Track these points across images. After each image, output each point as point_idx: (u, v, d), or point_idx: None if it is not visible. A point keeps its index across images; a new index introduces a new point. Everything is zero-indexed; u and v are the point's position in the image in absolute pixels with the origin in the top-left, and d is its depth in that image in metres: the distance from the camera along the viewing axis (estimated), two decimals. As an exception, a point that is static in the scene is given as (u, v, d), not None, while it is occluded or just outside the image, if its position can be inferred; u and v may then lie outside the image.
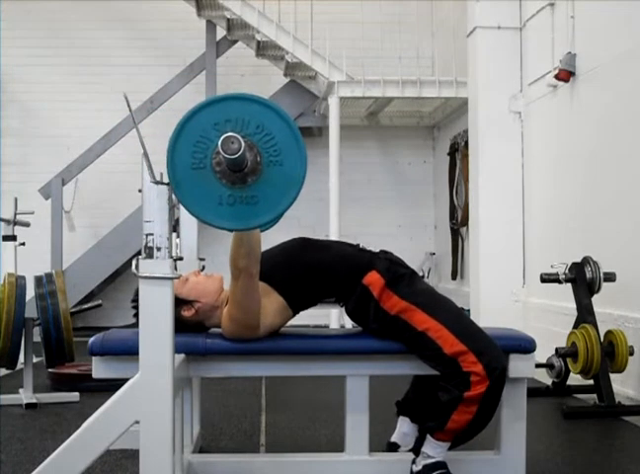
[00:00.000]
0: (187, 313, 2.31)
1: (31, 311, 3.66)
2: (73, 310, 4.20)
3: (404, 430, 2.59)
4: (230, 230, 1.87)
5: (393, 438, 2.60)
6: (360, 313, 2.33)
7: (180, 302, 2.22)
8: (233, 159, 1.63)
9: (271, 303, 2.25)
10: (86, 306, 4.54)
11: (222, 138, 1.62)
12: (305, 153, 1.75)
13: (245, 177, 1.71)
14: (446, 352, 2.17)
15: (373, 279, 2.28)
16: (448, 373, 2.18)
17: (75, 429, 1.78)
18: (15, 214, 4.95)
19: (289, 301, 2.28)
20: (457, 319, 2.26)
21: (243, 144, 1.62)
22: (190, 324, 2.31)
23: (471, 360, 2.15)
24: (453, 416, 2.16)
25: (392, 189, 8.07)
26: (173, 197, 1.73)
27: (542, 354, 3.35)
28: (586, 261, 3.79)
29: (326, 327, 6.03)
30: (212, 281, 2.37)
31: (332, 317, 6.25)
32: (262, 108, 1.74)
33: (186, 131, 1.72)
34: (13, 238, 4.89)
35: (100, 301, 4.51)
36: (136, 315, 2.17)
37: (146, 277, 1.70)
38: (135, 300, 2.20)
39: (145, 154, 1.70)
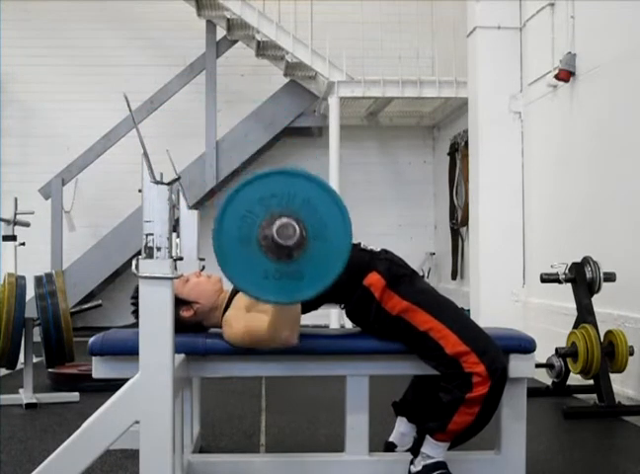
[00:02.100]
0: (186, 313, 2.31)
1: (31, 311, 3.66)
2: (73, 310, 4.20)
3: (402, 430, 2.59)
4: (275, 304, 1.90)
5: (391, 438, 2.59)
6: (360, 314, 2.32)
7: (179, 302, 2.22)
8: (290, 246, 1.66)
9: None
10: (86, 306, 4.54)
11: (278, 225, 1.66)
12: (351, 227, 1.77)
13: (291, 252, 1.73)
14: (448, 352, 2.17)
15: (374, 280, 2.27)
16: (450, 374, 2.17)
17: (75, 429, 1.78)
18: (15, 214, 4.95)
19: None
20: (459, 319, 2.26)
21: (298, 230, 1.66)
22: (188, 324, 2.31)
23: (473, 361, 2.14)
24: (455, 417, 2.15)
25: (392, 189, 8.07)
26: (173, 196, 1.73)
27: (542, 354, 3.34)
28: (586, 261, 3.79)
29: (326, 327, 6.03)
30: (212, 283, 2.37)
31: (332, 317, 6.25)
32: (307, 182, 1.77)
33: (232, 206, 1.75)
34: (13, 238, 4.89)
35: (100, 301, 4.52)
36: (135, 312, 2.17)
37: (146, 277, 1.70)
38: (135, 297, 2.20)
39: (145, 154, 1.70)
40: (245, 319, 2.19)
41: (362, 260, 2.31)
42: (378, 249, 2.38)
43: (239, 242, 1.73)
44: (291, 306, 2.03)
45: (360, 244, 2.39)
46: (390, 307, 2.25)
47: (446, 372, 2.18)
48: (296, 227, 1.66)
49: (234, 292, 2.33)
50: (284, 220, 1.67)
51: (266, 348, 2.18)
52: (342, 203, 1.77)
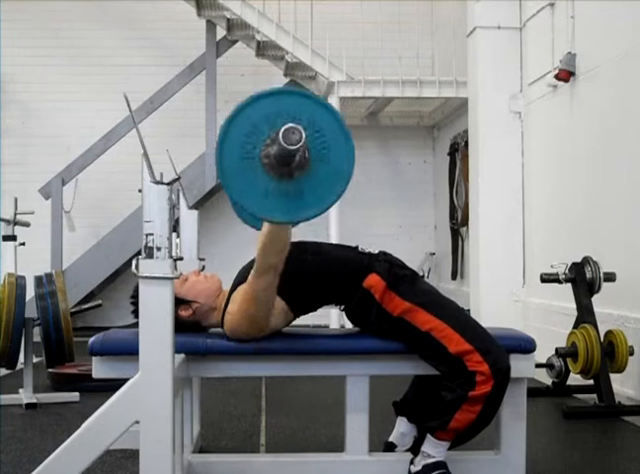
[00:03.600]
0: (184, 313, 2.30)
1: (31, 311, 3.66)
2: (73, 310, 4.20)
3: (402, 430, 2.58)
4: (274, 222, 1.88)
5: (391, 438, 2.59)
6: (361, 316, 2.32)
7: (177, 301, 2.21)
8: (292, 150, 1.64)
9: (275, 305, 2.23)
10: (86, 306, 4.54)
11: (284, 128, 1.63)
12: (353, 151, 1.78)
13: (292, 171, 1.73)
14: (451, 351, 2.17)
15: (374, 282, 2.27)
16: (452, 373, 2.17)
17: (75, 429, 1.78)
18: (15, 214, 4.95)
19: (291, 305, 2.27)
20: (461, 318, 2.26)
21: (304, 136, 1.63)
22: (186, 324, 2.30)
23: (477, 360, 2.14)
24: (457, 415, 2.15)
25: (392, 189, 8.07)
26: (172, 196, 1.73)
27: (542, 354, 3.34)
28: (586, 261, 3.79)
29: (326, 327, 6.03)
30: (211, 282, 2.36)
31: (332, 317, 6.25)
32: (314, 104, 1.76)
33: (237, 122, 1.73)
34: (13, 238, 4.89)
35: (100, 301, 4.52)
36: (135, 311, 2.17)
37: (146, 277, 1.70)
38: (135, 296, 2.20)
39: (145, 154, 1.70)
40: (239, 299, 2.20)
41: (361, 262, 2.31)
42: (376, 251, 2.38)
43: (241, 158, 1.72)
44: (286, 231, 2.03)
45: (357, 247, 2.39)
46: (391, 308, 2.25)
47: (448, 372, 2.18)
48: (302, 133, 1.63)
49: (232, 292, 2.33)
50: (290, 124, 1.64)
51: (259, 310, 2.16)
52: (346, 127, 1.77)
